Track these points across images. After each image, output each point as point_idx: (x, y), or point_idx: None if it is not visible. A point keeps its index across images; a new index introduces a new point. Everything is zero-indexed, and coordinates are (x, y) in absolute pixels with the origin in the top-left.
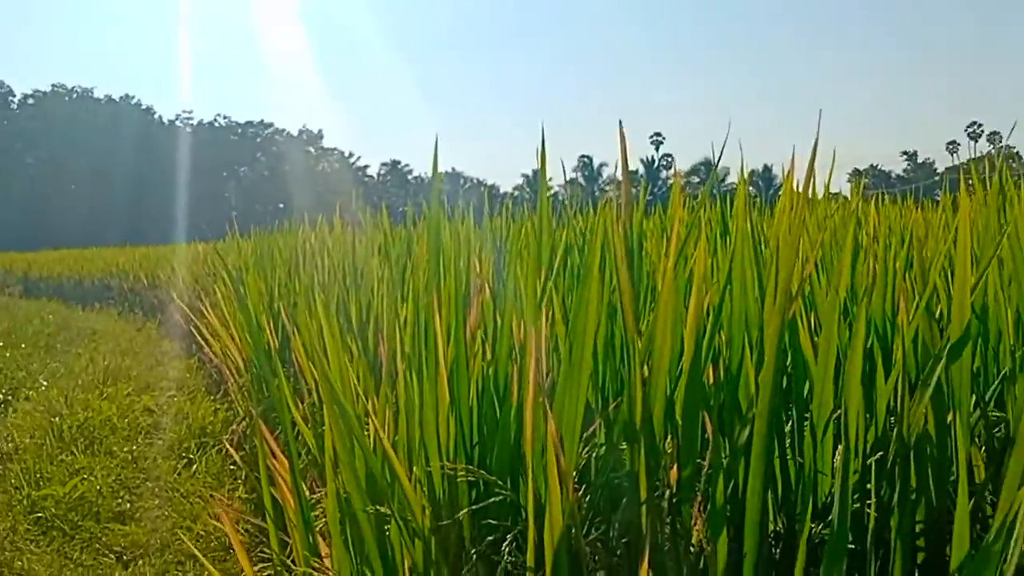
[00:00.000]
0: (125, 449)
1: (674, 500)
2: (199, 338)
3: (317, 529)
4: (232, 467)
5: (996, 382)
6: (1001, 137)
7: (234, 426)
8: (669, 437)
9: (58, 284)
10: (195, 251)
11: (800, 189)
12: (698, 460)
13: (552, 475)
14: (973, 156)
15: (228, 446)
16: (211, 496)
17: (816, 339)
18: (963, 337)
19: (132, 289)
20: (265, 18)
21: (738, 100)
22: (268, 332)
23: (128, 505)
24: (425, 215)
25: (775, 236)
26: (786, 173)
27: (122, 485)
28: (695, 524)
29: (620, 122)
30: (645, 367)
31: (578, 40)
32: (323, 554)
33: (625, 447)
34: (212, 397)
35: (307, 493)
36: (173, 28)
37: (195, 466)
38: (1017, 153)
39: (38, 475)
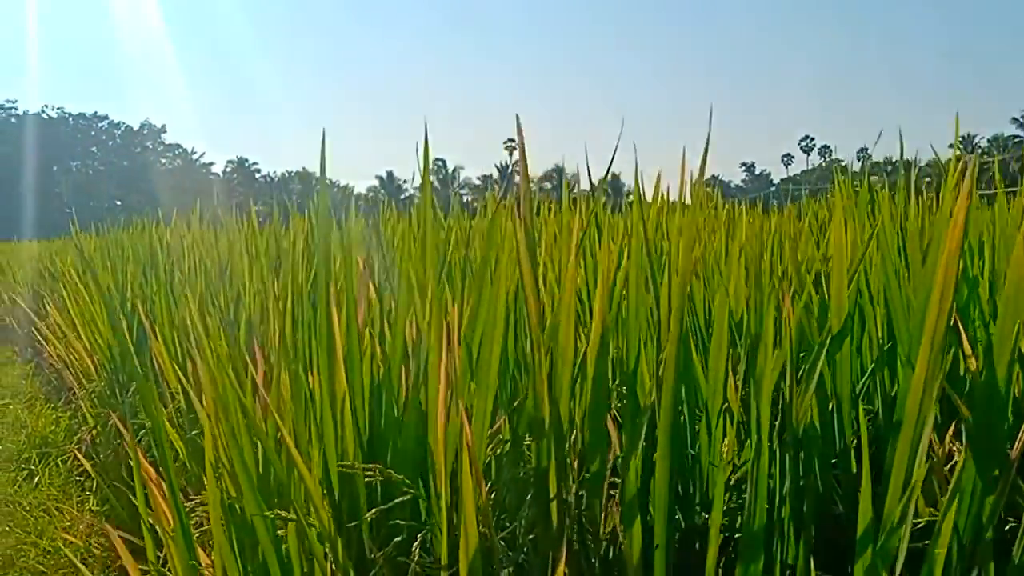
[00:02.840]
0: None
1: (580, 495)
2: (37, 342)
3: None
4: (79, 478)
5: (866, 376)
6: (832, 151)
7: (83, 435)
8: (574, 433)
9: None
10: (27, 249)
11: (691, 194)
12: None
13: (467, 474)
14: (806, 168)
15: (78, 454)
16: (57, 510)
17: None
18: (843, 330)
19: None
20: (109, 7)
21: (588, 111)
22: (126, 335)
23: None
24: (292, 214)
25: (663, 235)
26: (657, 178)
27: None
28: (606, 517)
29: (517, 116)
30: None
31: (435, 44)
32: (203, 564)
33: (530, 443)
34: (52, 405)
35: (183, 500)
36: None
37: (37, 478)
38: (846, 166)
39: None
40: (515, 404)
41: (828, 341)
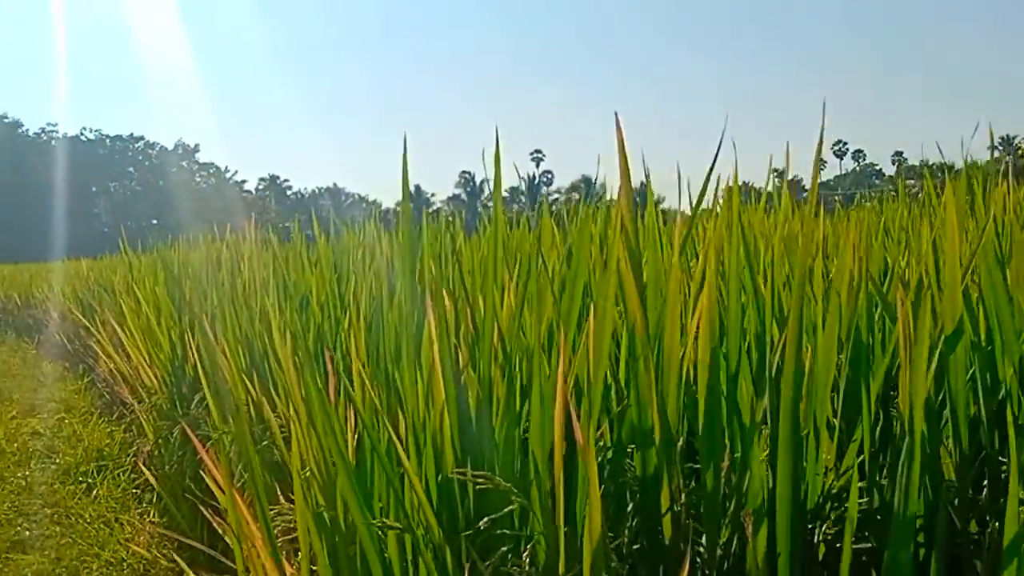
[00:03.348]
0: (18, 475)
1: (686, 504)
2: (91, 358)
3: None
4: (136, 490)
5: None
6: (865, 155)
7: (145, 447)
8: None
9: None
10: (73, 268)
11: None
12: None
13: (593, 484)
14: (840, 173)
15: (142, 466)
16: (117, 521)
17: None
18: (957, 331)
19: (4, 309)
20: (140, 29)
21: (605, 119)
22: (188, 347)
23: (28, 533)
24: (346, 231)
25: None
26: (728, 183)
27: (19, 512)
28: (720, 528)
29: (616, 114)
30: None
31: (458, 56)
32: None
33: (634, 449)
34: (106, 419)
35: (268, 511)
36: (41, 37)
37: (96, 491)
38: (880, 170)
39: None
40: (619, 409)
41: (941, 343)
